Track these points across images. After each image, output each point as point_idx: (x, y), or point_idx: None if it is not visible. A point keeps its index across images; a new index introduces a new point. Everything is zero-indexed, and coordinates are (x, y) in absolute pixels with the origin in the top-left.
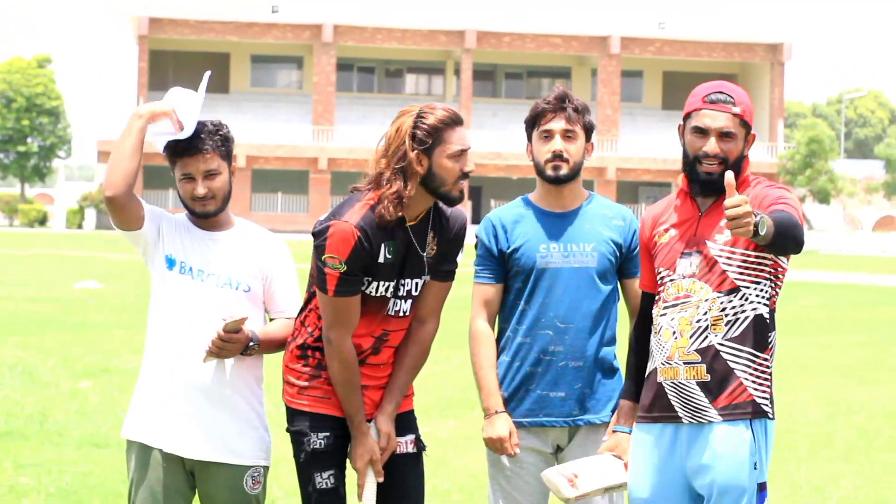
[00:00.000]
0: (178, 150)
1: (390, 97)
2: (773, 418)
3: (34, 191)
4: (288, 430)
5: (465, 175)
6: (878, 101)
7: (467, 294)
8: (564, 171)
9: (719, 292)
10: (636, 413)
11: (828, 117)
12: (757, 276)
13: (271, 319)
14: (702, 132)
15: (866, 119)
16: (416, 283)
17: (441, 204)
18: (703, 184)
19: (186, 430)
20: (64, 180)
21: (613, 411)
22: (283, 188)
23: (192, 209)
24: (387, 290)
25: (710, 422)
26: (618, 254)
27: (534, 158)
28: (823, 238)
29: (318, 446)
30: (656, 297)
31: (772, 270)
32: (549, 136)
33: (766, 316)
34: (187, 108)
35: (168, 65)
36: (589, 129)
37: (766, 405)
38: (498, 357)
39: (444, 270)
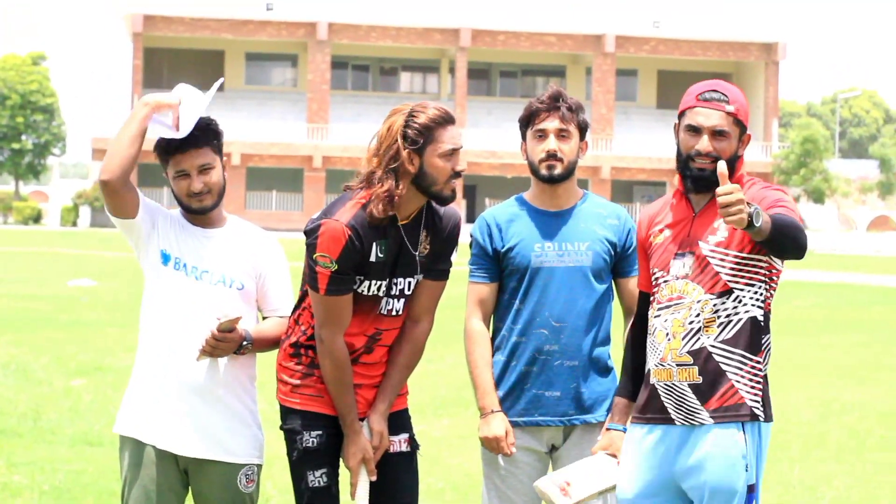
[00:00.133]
0: (171, 147)
1: (385, 95)
2: (766, 421)
3: (28, 188)
4: (281, 428)
5: (456, 174)
6: (872, 101)
7: (461, 293)
8: (559, 170)
9: (712, 294)
10: (631, 412)
11: (822, 117)
12: (751, 279)
13: (264, 318)
14: (695, 130)
15: (861, 119)
16: (409, 283)
17: (434, 203)
18: (696, 180)
19: (180, 428)
20: (58, 178)
21: (608, 411)
22: (277, 186)
23: (188, 206)
24: (379, 289)
25: (703, 424)
26: (612, 253)
27: (528, 157)
28: (818, 238)
29: (310, 445)
30: (651, 298)
31: (766, 273)
32: (543, 135)
33: (761, 318)
34: (190, 108)
35: (162, 62)
36: (583, 128)
37: (758, 408)
38: (492, 356)
39: (437, 269)
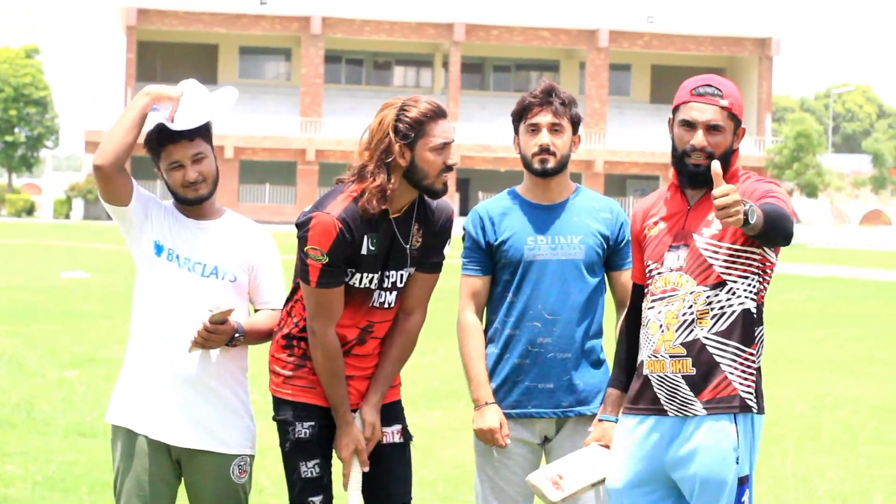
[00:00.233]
0: (163, 138)
1: (378, 89)
2: (759, 413)
3: (21, 181)
4: (274, 419)
5: (448, 168)
6: (865, 96)
7: (454, 286)
8: (551, 164)
9: (705, 286)
10: (623, 403)
11: (816, 112)
12: (744, 271)
13: (256, 310)
14: (689, 125)
15: (854, 113)
16: (401, 275)
17: (426, 196)
18: (692, 176)
19: (173, 419)
20: (51, 170)
21: (601, 403)
22: (270, 179)
23: (183, 197)
24: (371, 281)
25: (695, 415)
26: (605, 246)
27: (521, 151)
28: (811, 232)
29: (302, 436)
30: (645, 290)
31: (759, 265)
32: (536, 129)
33: (754, 310)
34: (194, 104)
35: (156, 56)
36: (576, 122)
37: (751, 400)
38: (485, 348)
39: (430, 262)
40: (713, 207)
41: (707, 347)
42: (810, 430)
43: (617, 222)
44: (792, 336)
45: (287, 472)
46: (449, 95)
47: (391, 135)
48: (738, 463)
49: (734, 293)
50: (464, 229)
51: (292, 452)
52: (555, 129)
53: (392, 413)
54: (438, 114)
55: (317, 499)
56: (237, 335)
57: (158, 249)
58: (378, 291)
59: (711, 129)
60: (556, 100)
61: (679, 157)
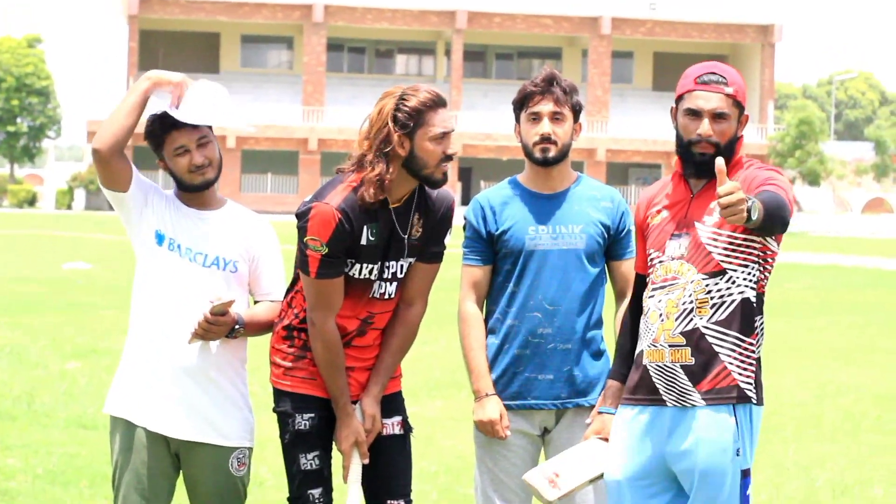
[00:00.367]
0: (166, 125)
1: (381, 78)
2: (758, 404)
3: (23, 171)
4: (274, 410)
5: (447, 157)
6: (868, 83)
7: (455, 276)
8: (553, 153)
9: (704, 274)
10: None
11: (818, 99)
12: (744, 259)
13: (256, 302)
14: (695, 114)
15: (856, 101)
16: (402, 266)
17: (425, 186)
18: (698, 165)
19: (172, 411)
20: (53, 161)
21: (601, 394)
22: (272, 169)
23: (190, 182)
24: (371, 272)
25: (694, 406)
26: (606, 235)
27: (522, 140)
28: (813, 220)
29: (302, 427)
30: (647, 279)
31: (760, 254)
32: (537, 118)
33: (754, 300)
34: (202, 102)
35: (158, 45)
36: (577, 111)
37: (751, 390)
38: (486, 339)
39: (430, 252)
40: (720, 213)
41: (706, 337)
42: (811, 418)
43: (618, 212)
44: (793, 324)
45: (287, 464)
46: (451, 83)
47: (390, 124)
48: (738, 455)
49: (734, 282)
50: (465, 219)
51: (292, 444)
52: (556, 117)
53: (392, 404)
54: (438, 103)
55: (316, 491)
56: (237, 327)
57: (160, 239)
58: (378, 282)
59: (717, 117)
60: (557, 88)
61: (685, 147)
